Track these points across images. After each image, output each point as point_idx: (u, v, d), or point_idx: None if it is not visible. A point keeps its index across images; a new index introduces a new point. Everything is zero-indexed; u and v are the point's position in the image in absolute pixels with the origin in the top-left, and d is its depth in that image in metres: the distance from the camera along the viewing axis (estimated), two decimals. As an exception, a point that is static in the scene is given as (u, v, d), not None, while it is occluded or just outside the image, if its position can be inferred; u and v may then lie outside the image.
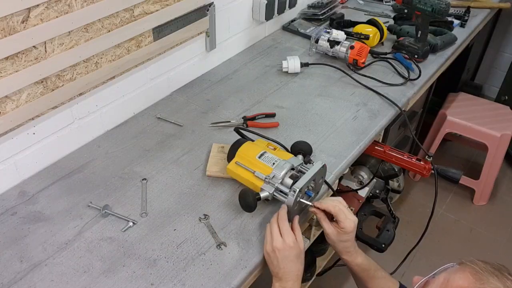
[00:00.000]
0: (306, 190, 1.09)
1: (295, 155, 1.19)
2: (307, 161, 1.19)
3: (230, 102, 1.53)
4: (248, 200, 1.05)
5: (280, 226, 1.02)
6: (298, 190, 1.03)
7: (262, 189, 1.08)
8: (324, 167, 1.13)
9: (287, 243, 1.00)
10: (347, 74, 1.67)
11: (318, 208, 1.08)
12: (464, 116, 2.40)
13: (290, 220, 1.10)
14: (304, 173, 1.10)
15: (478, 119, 2.38)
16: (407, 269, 1.83)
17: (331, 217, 1.08)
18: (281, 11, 1.84)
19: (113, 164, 1.27)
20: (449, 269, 0.80)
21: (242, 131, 1.27)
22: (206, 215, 1.12)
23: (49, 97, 1.14)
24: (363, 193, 1.65)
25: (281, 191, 1.09)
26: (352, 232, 1.06)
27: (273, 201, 1.13)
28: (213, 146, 1.31)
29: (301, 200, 1.08)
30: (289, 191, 1.05)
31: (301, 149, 1.22)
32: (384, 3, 2.22)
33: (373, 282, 1.11)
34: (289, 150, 1.25)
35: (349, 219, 1.05)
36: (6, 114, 1.06)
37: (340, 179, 1.60)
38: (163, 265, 1.01)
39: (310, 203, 1.09)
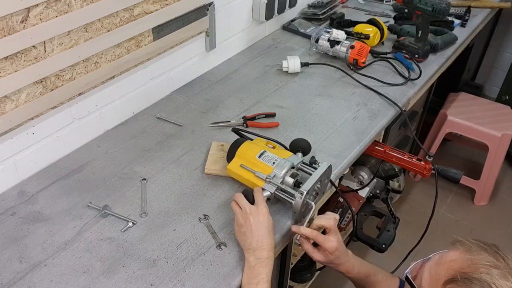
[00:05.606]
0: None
1: (294, 153, 1.19)
2: (313, 161, 1.18)
3: (230, 102, 1.53)
4: (250, 200, 1.04)
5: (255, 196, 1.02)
6: (305, 192, 1.03)
7: (263, 189, 1.08)
8: (329, 167, 1.13)
9: (260, 208, 0.99)
10: (347, 74, 1.66)
11: (302, 236, 1.05)
12: (465, 116, 2.39)
13: (299, 221, 1.10)
14: (304, 171, 1.10)
15: (478, 119, 2.38)
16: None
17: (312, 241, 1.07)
18: (281, 10, 1.83)
19: (112, 164, 1.27)
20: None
21: (240, 131, 1.27)
22: (206, 215, 1.12)
23: (48, 97, 1.14)
24: (364, 193, 1.65)
25: (282, 190, 1.09)
26: (336, 250, 1.04)
27: (275, 200, 1.13)
28: (213, 144, 1.31)
29: (308, 200, 1.08)
30: (297, 193, 1.05)
31: (300, 147, 1.22)
32: (385, 2, 2.22)
33: (376, 287, 1.10)
34: (288, 148, 1.25)
35: (330, 240, 1.03)
36: (6, 114, 1.06)
37: (341, 179, 1.61)
38: (163, 266, 1.00)
39: (313, 203, 1.10)
